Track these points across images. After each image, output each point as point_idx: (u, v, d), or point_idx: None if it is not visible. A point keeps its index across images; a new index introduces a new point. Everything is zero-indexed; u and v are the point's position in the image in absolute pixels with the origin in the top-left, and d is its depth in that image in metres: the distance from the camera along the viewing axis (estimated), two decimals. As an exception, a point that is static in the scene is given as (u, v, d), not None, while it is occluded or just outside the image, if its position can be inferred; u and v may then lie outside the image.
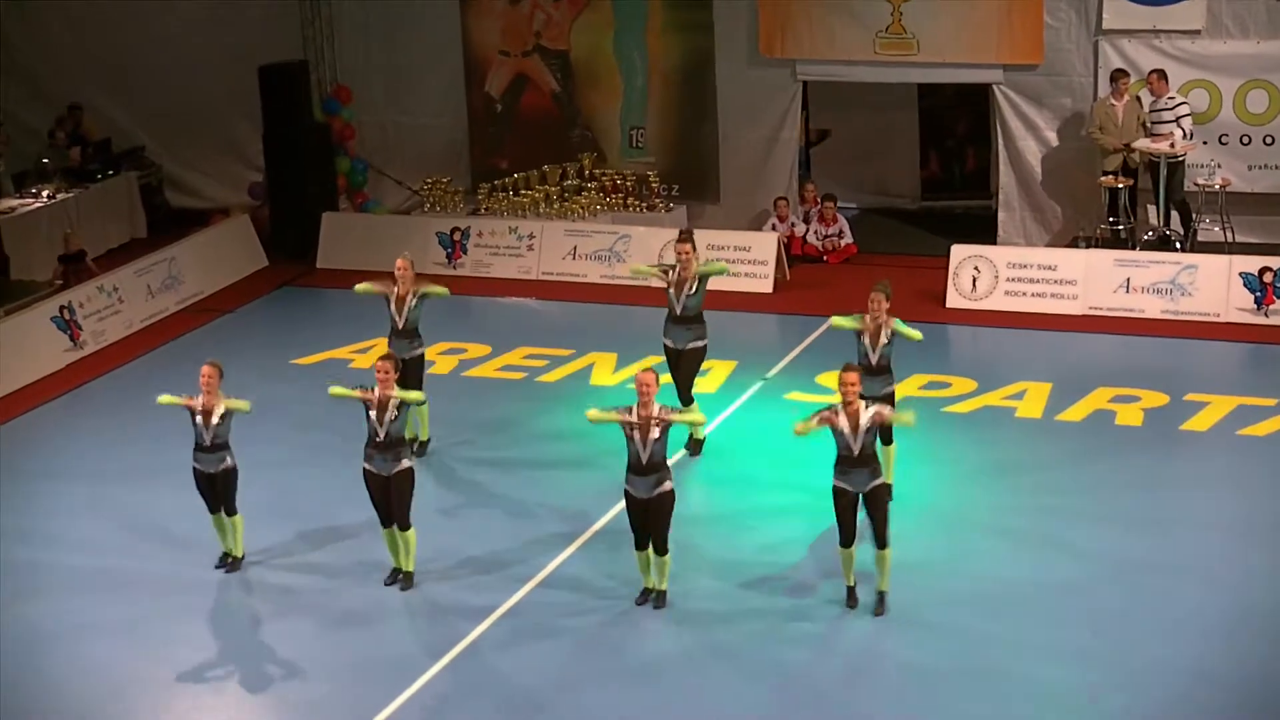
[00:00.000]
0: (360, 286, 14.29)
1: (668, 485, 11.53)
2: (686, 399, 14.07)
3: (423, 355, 14.22)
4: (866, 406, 11.29)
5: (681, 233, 14.42)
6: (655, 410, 11.38)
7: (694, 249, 13.99)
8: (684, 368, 14.06)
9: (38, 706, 11.01)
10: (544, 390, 16.02)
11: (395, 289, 13.96)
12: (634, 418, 11.39)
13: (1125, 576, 11.96)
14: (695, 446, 14.22)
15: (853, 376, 11.29)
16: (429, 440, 14.43)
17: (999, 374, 15.85)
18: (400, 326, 13.99)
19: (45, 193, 20.21)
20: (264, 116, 20.51)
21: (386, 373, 11.89)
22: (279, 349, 17.23)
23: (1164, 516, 12.90)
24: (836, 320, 13.14)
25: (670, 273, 13.98)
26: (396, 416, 11.88)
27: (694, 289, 13.84)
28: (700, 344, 13.99)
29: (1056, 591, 11.79)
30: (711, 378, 15.79)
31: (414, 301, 13.92)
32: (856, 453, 11.25)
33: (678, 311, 13.94)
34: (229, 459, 12.38)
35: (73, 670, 11.39)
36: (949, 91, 20.75)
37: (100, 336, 17.72)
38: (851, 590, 11.62)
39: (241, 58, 20.89)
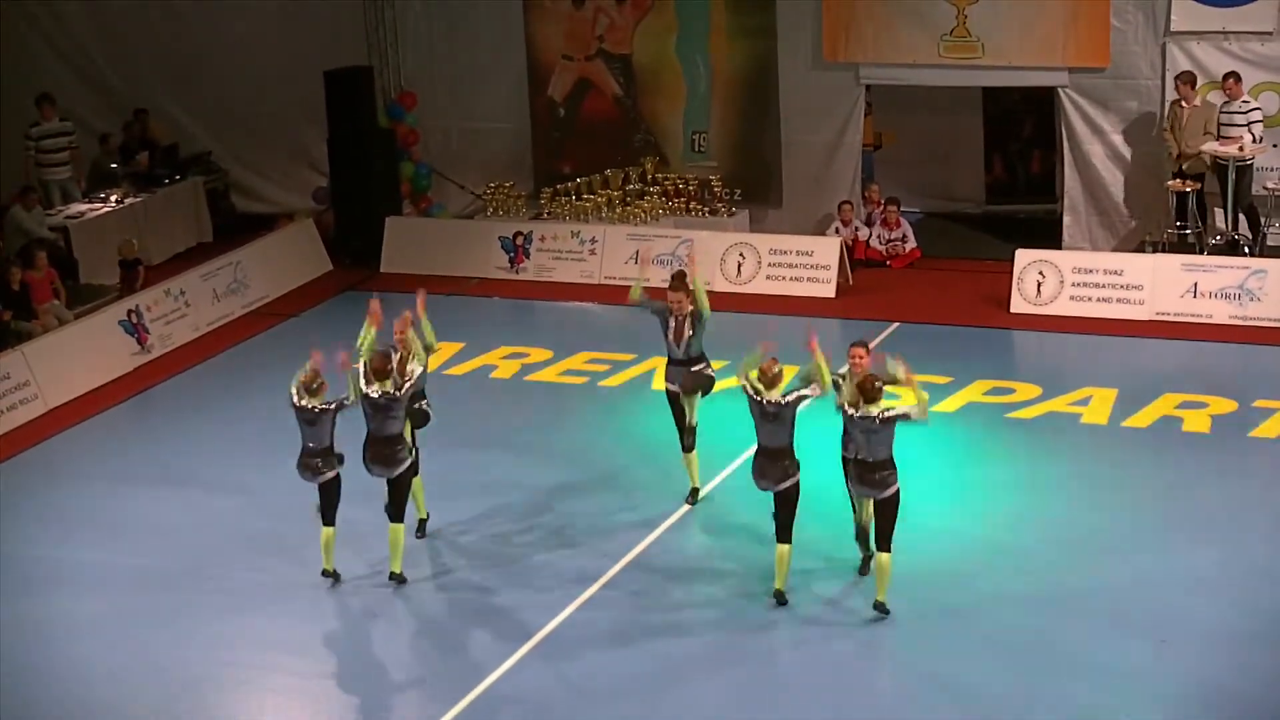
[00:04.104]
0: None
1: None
2: (690, 444, 13.36)
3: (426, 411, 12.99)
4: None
5: (673, 278, 13.28)
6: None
7: (688, 294, 13.01)
8: (690, 409, 13.25)
9: (108, 700, 11.13)
10: (605, 395, 16.03)
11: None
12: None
13: (1192, 586, 11.81)
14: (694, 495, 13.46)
15: (860, 349, 11.87)
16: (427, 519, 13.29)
17: (1064, 380, 15.71)
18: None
19: (114, 198, 20.45)
20: (329, 122, 20.63)
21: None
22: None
23: (1232, 524, 12.73)
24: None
25: (666, 317, 13.13)
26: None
27: (694, 331, 13.08)
28: (709, 380, 13.29)
29: (1120, 600, 11.66)
30: (773, 383, 15.74)
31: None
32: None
33: (679, 356, 13.18)
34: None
35: (136, 668, 11.51)
36: (1014, 95, 20.60)
37: (167, 340, 17.88)
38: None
39: (307, 63, 21.06)
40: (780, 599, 11.73)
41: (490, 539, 12.99)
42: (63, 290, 18.11)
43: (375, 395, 12.14)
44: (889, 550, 11.46)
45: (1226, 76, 17.74)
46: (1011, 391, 15.49)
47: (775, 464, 11.68)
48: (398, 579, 12.28)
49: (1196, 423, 14.59)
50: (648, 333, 17.60)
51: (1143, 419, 14.72)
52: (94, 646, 11.81)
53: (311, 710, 11.05)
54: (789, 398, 11.64)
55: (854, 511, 12.04)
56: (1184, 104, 17.81)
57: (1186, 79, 17.82)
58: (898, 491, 11.44)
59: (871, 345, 12.07)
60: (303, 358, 16.96)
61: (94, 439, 15.70)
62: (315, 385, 12.24)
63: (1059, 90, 18.93)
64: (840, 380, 11.98)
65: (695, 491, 13.43)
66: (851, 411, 11.46)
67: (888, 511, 11.47)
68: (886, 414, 11.34)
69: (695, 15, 20.35)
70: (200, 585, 12.58)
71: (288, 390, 12.28)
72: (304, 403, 12.22)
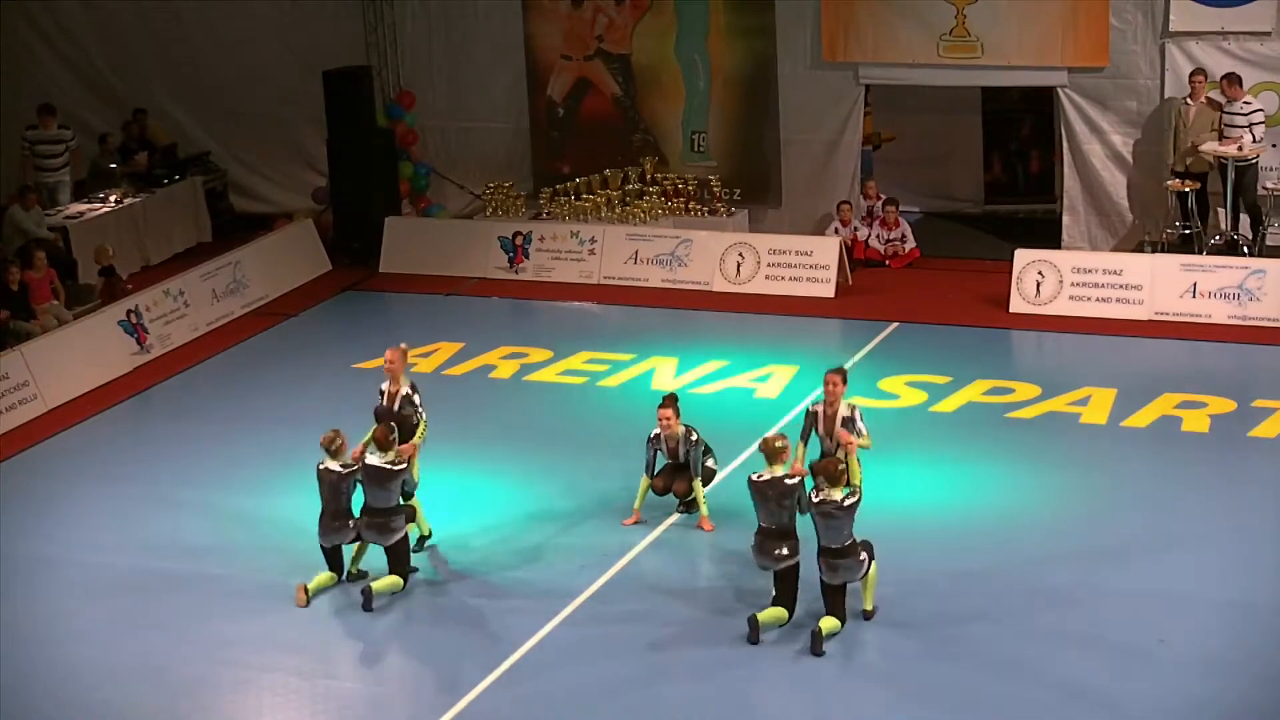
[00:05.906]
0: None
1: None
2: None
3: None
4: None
5: (664, 398, 12.93)
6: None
7: (676, 414, 12.73)
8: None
9: (108, 701, 11.12)
10: (604, 395, 16.03)
11: (385, 387, 12.82)
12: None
13: (1192, 587, 11.80)
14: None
15: (834, 376, 11.97)
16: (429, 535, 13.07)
17: (1063, 380, 15.71)
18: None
19: (113, 198, 20.46)
20: (328, 121, 20.63)
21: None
22: (341, 353, 17.32)
23: (1231, 524, 12.74)
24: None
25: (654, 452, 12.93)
26: None
27: (686, 451, 12.80)
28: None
29: (1119, 601, 11.65)
30: (773, 383, 15.77)
31: (400, 404, 12.76)
32: (832, 450, 12.02)
33: (680, 461, 12.94)
34: None
35: (136, 668, 11.51)
36: (1013, 94, 20.62)
37: (166, 340, 17.87)
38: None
39: (306, 63, 21.10)
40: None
41: (487, 543, 12.93)
42: (61, 290, 18.11)
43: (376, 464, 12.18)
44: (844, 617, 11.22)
45: (1222, 78, 17.76)
46: (1011, 391, 15.50)
47: (780, 542, 11.23)
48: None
49: (1195, 422, 14.59)
50: (647, 332, 17.74)
51: (1142, 419, 14.73)
52: (94, 647, 11.80)
53: (311, 710, 11.03)
54: (792, 482, 11.13)
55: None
56: (1191, 100, 17.82)
57: (1201, 74, 17.83)
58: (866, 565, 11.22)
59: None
60: (302, 357, 17.11)
61: (93, 439, 15.69)
62: (335, 447, 12.22)
63: (1058, 90, 18.94)
64: (816, 415, 11.95)
65: (692, 502, 13.12)
66: (813, 496, 11.06)
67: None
68: (847, 501, 10.99)
69: (694, 15, 20.36)
70: (200, 585, 12.57)
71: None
72: (326, 465, 12.22)
